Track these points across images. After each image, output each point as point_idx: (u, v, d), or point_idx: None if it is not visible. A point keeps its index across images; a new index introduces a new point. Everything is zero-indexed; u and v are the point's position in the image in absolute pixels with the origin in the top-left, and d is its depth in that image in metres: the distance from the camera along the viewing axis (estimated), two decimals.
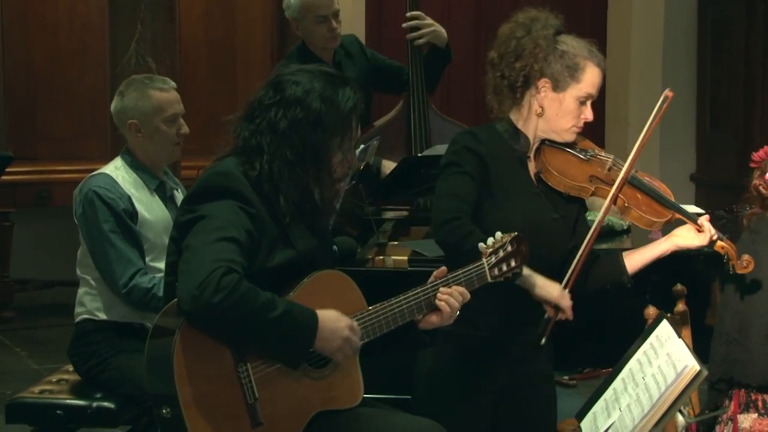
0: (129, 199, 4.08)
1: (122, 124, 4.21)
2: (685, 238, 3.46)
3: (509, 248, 3.20)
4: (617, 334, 3.35)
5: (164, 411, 2.86)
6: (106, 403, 4.07)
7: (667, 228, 3.55)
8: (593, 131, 8.05)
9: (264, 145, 3.06)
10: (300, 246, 3.08)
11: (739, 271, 3.40)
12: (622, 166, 3.47)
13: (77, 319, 4.20)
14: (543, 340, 3.38)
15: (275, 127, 3.06)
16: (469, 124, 5.10)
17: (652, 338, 3.05)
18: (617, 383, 3.05)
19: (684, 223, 3.48)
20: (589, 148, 3.57)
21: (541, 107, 3.45)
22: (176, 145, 4.23)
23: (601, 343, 4.04)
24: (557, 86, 3.42)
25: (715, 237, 3.43)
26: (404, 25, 5.20)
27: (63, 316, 5.81)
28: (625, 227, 4.54)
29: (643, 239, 4.47)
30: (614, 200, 3.43)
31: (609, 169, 3.50)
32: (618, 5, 8.06)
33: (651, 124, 3.46)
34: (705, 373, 2.80)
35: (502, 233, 3.21)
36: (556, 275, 3.42)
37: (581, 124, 3.49)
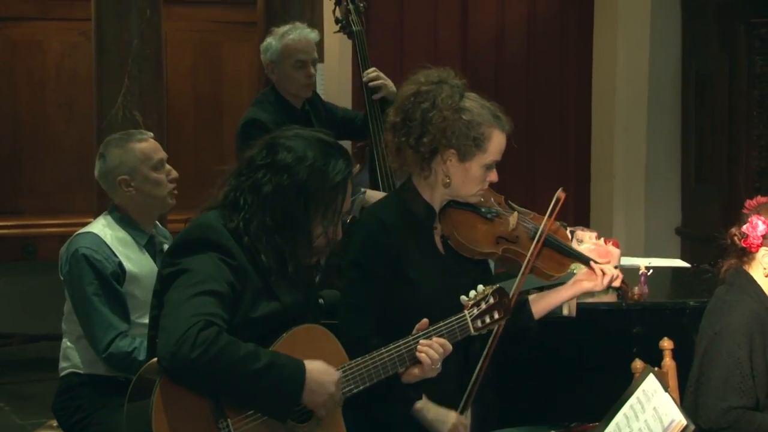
0: (116, 259, 4.07)
1: (111, 184, 4.18)
2: (588, 282, 3.58)
3: (491, 300, 3.21)
4: (604, 388, 3.34)
5: None
6: None
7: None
8: (579, 184, 8.16)
9: (242, 203, 3.04)
10: (285, 299, 3.06)
11: (630, 300, 3.67)
12: (527, 222, 3.55)
13: (62, 374, 4.17)
14: None
15: (258, 189, 3.04)
16: None
17: (638, 392, 3.04)
18: None
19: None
20: (494, 206, 3.59)
21: (447, 177, 3.44)
22: (169, 193, 4.23)
23: (588, 397, 4.03)
24: (463, 156, 3.42)
25: (612, 280, 3.56)
26: (365, 79, 5.25)
27: (48, 371, 5.77)
28: None
29: None
30: (529, 270, 3.50)
31: (514, 228, 3.56)
32: (602, 60, 8.12)
33: (545, 222, 3.52)
34: (692, 427, 2.80)
35: (484, 285, 3.22)
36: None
37: (486, 186, 3.51)
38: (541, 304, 3.60)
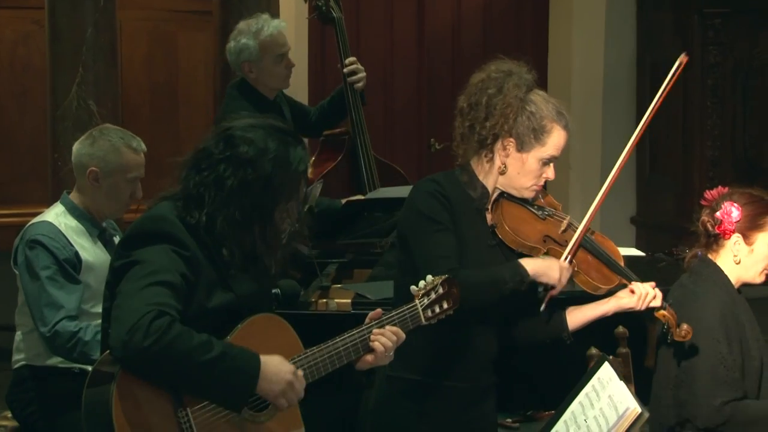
0: (72, 248, 4.04)
1: (81, 168, 4.14)
2: (627, 299, 3.49)
3: (441, 290, 3.20)
4: (559, 376, 3.36)
5: None
6: None
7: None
8: None
9: (206, 198, 3.01)
10: (239, 290, 3.05)
11: (677, 339, 3.46)
12: (578, 228, 3.50)
13: (15, 366, 4.14)
14: (543, 307, 3.43)
15: (222, 184, 3.01)
16: (412, 171, 5.13)
17: (594, 380, 3.06)
18: (559, 426, 3.06)
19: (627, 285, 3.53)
20: (547, 206, 3.58)
21: (504, 165, 3.45)
22: (123, 209, 4.21)
23: (544, 385, 4.05)
24: (521, 147, 3.42)
25: (651, 302, 3.46)
26: (345, 69, 5.25)
27: (1, 361, 5.73)
28: None
29: None
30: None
31: (564, 230, 3.52)
32: (558, 50, 8.15)
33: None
34: (646, 415, 2.81)
35: (433, 276, 3.21)
36: (506, 329, 3.46)
37: (542, 182, 3.51)
38: (577, 316, 3.55)
